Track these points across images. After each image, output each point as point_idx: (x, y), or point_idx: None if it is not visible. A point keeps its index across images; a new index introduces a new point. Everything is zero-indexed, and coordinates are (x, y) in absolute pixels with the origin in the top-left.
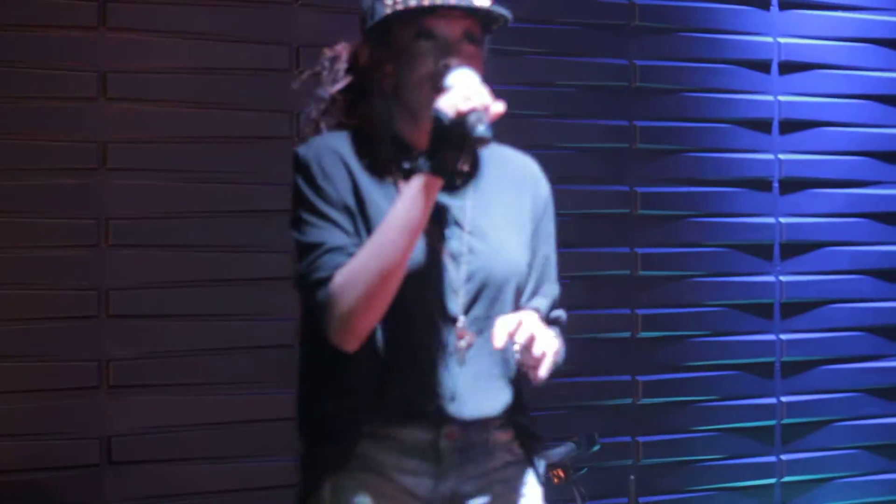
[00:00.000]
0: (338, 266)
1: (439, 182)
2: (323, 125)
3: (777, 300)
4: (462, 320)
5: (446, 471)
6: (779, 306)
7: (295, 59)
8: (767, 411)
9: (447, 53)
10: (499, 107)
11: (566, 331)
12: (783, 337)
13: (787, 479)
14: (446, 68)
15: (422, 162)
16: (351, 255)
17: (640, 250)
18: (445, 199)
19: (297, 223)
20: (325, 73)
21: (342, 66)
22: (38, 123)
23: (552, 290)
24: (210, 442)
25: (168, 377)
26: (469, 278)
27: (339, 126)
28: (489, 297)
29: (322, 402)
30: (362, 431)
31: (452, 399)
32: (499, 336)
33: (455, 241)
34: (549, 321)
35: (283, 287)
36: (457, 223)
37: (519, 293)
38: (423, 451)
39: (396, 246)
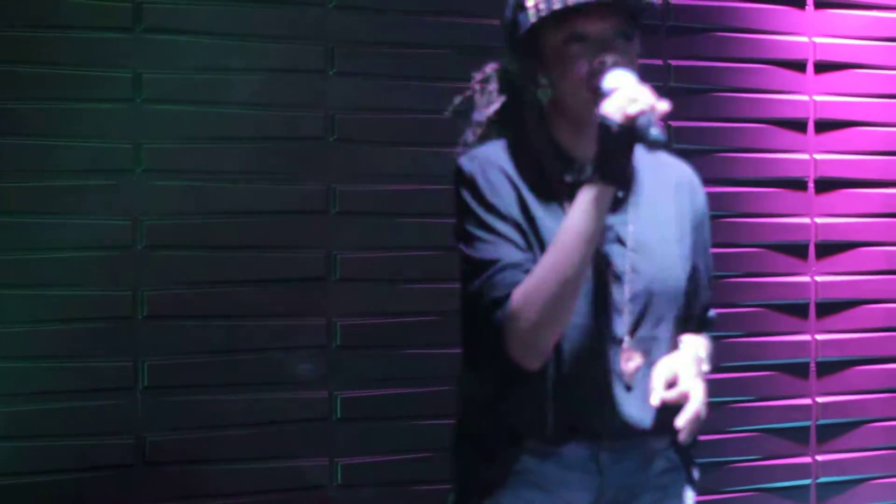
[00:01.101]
0: (514, 283)
1: (612, 191)
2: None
3: (812, 300)
4: (627, 341)
5: (607, 483)
6: (814, 307)
7: (329, 60)
8: (802, 412)
9: (600, 52)
10: (664, 106)
11: None
12: (818, 337)
13: (822, 479)
14: (602, 66)
15: (592, 171)
16: (527, 271)
17: None
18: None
19: (467, 238)
20: (476, 95)
21: (494, 86)
22: (72, 124)
23: (707, 295)
24: (245, 443)
25: (202, 378)
26: (633, 298)
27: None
28: (654, 316)
29: (485, 418)
30: (525, 447)
31: (617, 422)
32: (655, 396)
33: (618, 260)
34: (701, 327)
35: (317, 287)
36: (619, 240)
37: (682, 307)
38: (584, 464)
39: (574, 258)
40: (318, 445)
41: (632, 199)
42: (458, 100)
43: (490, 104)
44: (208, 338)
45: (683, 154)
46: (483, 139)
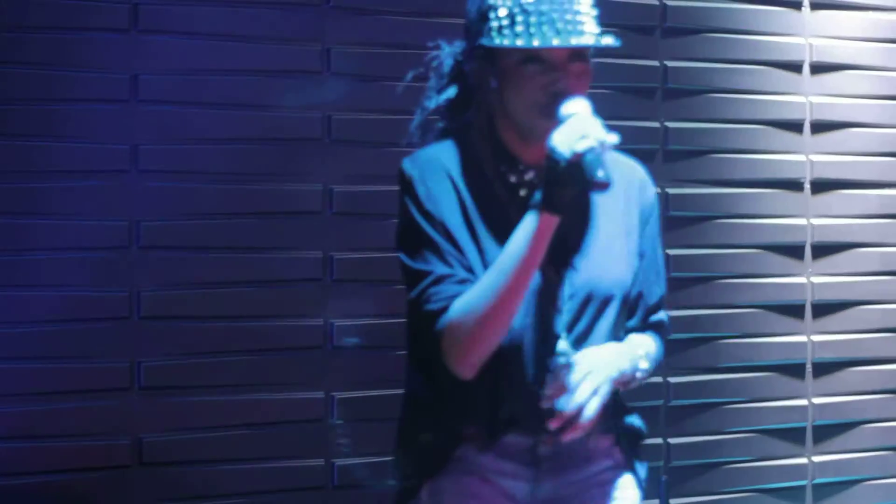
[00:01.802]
0: (448, 296)
1: (556, 220)
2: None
3: (808, 302)
4: (564, 338)
5: (544, 475)
6: (810, 308)
7: (326, 60)
8: (798, 413)
9: (555, 77)
10: (613, 138)
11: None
12: (814, 339)
13: (818, 480)
14: (555, 97)
15: (538, 199)
16: (458, 281)
17: (670, 252)
18: None
19: (404, 245)
20: (431, 76)
21: (447, 72)
22: (69, 126)
23: (656, 292)
24: (241, 443)
25: (199, 379)
26: (571, 296)
27: (444, 132)
28: (592, 313)
29: (424, 407)
30: (462, 435)
31: (552, 415)
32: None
33: (558, 259)
34: (647, 326)
35: (313, 288)
36: (561, 238)
37: (625, 304)
38: (521, 455)
39: (515, 282)
40: (316, 446)
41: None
42: (410, 75)
43: (441, 90)
44: (205, 338)
45: (680, 155)
46: (430, 127)
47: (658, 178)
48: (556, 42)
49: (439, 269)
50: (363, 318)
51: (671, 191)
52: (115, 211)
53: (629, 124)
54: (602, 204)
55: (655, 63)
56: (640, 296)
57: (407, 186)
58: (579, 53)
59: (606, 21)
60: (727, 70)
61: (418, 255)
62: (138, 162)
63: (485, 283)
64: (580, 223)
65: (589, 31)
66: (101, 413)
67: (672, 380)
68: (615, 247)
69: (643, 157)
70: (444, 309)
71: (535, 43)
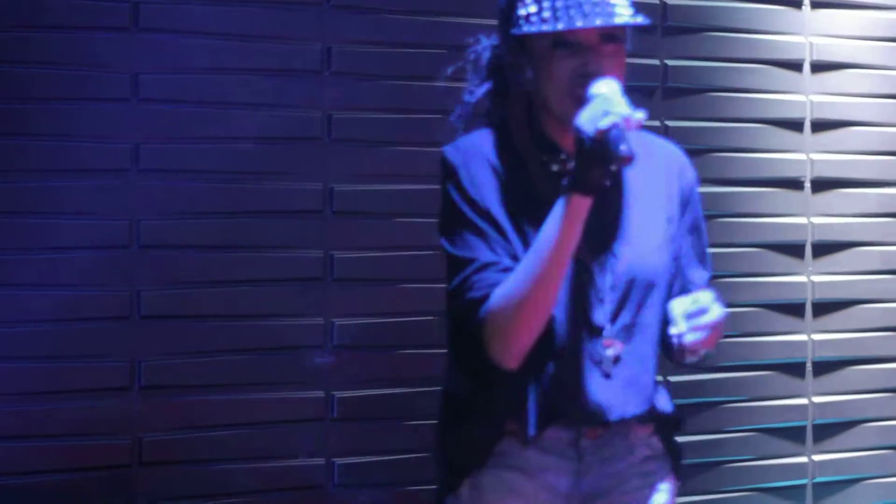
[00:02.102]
0: (490, 284)
1: (588, 201)
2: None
3: (809, 300)
4: (608, 329)
5: (586, 468)
6: (810, 306)
7: (326, 59)
8: (799, 412)
9: (585, 60)
10: (639, 115)
11: None
12: (815, 337)
13: (818, 479)
14: (586, 79)
15: (568, 180)
16: (503, 269)
17: None
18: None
19: (447, 232)
20: (469, 70)
21: (485, 65)
22: (69, 124)
23: (703, 275)
24: (241, 443)
25: (199, 378)
26: (614, 286)
27: (483, 124)
28: (636, 302)
29: (465, 402)
30: (504, 429)
31: (596, 410)
32: (678, 326)
33: (598, 248)
34: None
35: (314, 288)
36: (601, 226)
37: (669, 291)
38: (563, 449)
39: (550, 267)
40: (316, 445)
41: (617, 185)
42: (450, 70)
43: (481, 83)
44: (205, 338)
45: None
46: (471, 121)
47: None
48: (580, 24)
49: (484, 256)
50: (363, 318)
51: None
52: (116, 210)
53: None
54: (641, 191)
55: (655, 62)
56: (687, 280)
57: (450, 173)
58: (611, 34)
59: None
60: (727, 69)
61: (462, 242)
62: (139, 161)
63: (522, 269)
64: (619, 211)
65: (619, 13)
66: (101, 413)
67: (672, 379)
68: (656, 234)
69: None
70: (487, 297)
71: (560, 27)
